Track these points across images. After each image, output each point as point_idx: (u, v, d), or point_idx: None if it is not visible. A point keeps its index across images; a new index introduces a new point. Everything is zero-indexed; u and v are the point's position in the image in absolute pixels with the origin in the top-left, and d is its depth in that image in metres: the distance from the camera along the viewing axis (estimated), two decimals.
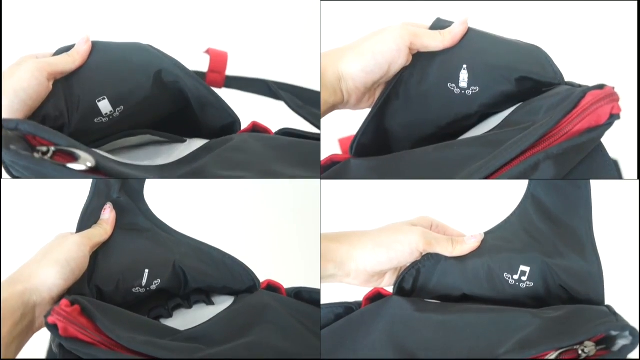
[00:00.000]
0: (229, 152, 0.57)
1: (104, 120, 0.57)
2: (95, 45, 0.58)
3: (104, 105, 0.57)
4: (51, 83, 0.54)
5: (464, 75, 0.58)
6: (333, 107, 0.60)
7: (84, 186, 0.62)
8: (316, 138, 0.61)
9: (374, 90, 0.61)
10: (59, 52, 0.57)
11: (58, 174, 0.48)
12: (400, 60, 0.58)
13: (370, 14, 1.05)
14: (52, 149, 0.48)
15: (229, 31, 1.04)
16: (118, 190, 0.64)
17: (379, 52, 0.58)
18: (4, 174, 0.52)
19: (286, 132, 0.62)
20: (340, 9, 1.03)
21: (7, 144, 0.47)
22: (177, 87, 0.60)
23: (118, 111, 0.58)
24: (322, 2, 0.97)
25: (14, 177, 0.52)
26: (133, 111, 0.59)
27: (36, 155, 0.48)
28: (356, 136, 0.61)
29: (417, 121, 0.61)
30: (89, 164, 0.48)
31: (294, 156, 0.58)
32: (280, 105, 0.73)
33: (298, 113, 0.68)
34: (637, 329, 0.49)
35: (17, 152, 0.47)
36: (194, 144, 0.60)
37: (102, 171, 0.49)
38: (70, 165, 0.48)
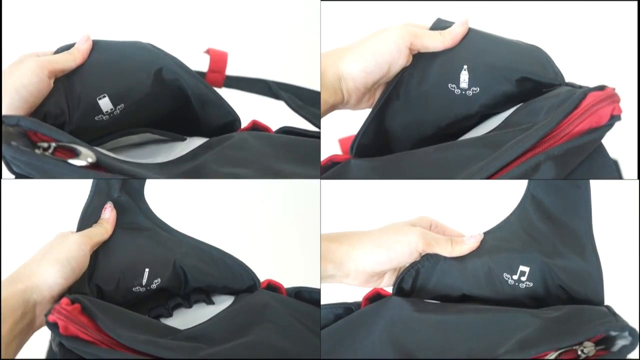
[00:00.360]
0: (229, 149, 0.57)
1: (104, 118, 0.58)
2: (95, 44, 0.58)
3: (105, 103, 0.57)
4: (52, 81, 0.54)
5: (464, 76, 0.58)
6: (333, 107, 0.60)
7: (85, 185, 0.62)
8: (316, 136, 0.62)
9: (374, 90, 0.61)
10: (60, 50, 0.57)
11: (59, 169, 0.48)
12: (401, 60, 0.58)
13: (370, 14, 1.05)
14: (53, 145, 0.48)
15: (229, 31, 1.04)
16: (118, 189, 0.64)
17: (379, 53, 0.58)
18: (5, 170, 0.52)
19: (286, 130, 0.63)
20: (340, 9, 1.03)
21: (9, 140, 0.47)
22: (177, 85, 0.61)
23: (119, 109, 0.58)
24: (322, 2, 0.97)
25: (14, 173, 0.52)
26: (133, 109, 0.59)
27: (37, 151, 0.48)
28: (356, 136, 0.61)
29: (417, 122, 0.61)
30: (90, 160, 0.48)
31: (294, 154, 0.58)
32: (281, 105, 0.73)
33: (298, 113, 0.69)
34: (637, 329, 0.49)
35: (19, 148, 0.47)
36: (194, 142, 0.61)
37: (102, 167, 0.49)
38: (72, 161, 0.48)
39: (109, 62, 0.58)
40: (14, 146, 0.47)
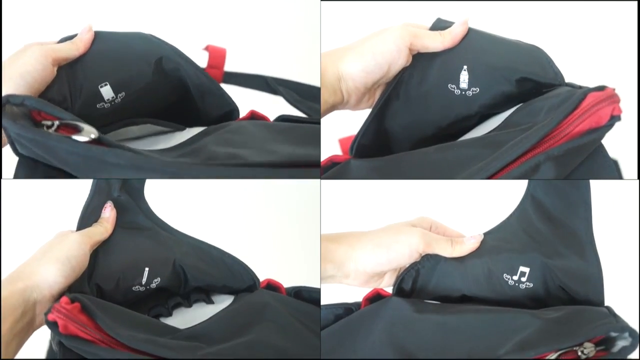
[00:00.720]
0: (228, 133, 0.58)
1: (105, 105, 0.59)
2: (97, 35, 0.60)
3: (106, 91, 0.58)
4: (55, 69, 0.56)
5: (464, 76, 0.58)
6: (333, 107, 0.60)
7: (85, 185, 0.62)
8: (315, 122, 0.62)
9: (373, 90, 0.61)
10: (63, 40, 0.59)
11: (62, 145, 0.49)
12: (400, 60, 0.58)
13: (370, 14, 1.05)
14: (57, 123, 0.50)
15: (230, 35, 1.04)
16: (118, 189, 0.64)
17: (379, 53, 0.58)
18: (5, 169, 0.53)
19: (284, 119, 0.63)
20: (340, 9, 1.03)
21: (14, 119, 0.48)
22: (177, 75, 0.62)
23: (120, 97, 0.59)
24: (322, 2, 0.97)
25: (18, 153, 0.53)
26: (134, 98, 0.60)
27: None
28: (356, 137, 0.61)
29: (417, 122, 0.61)
30: (93, 136, 0.49)
31: (293, 137, 0.58)
32: (279, 101, 0.74)
33: (296, 107, 0.69)
34: (637, 330, 0.49)
35: (24, 126, 0.48)
36: (193, 131, 0.61)
37: (104, 142, 0.50)
38: (75, 137, 0.49)
39: (111, 51, 0.59)
40: (19, 124, 0.48)
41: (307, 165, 0.51)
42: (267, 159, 0.51)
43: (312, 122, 0.62)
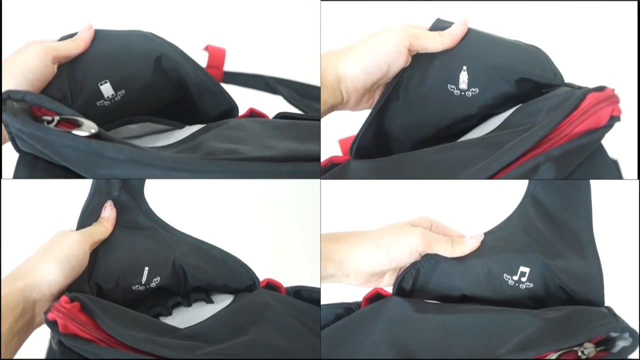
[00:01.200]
0: (227, 130, 0.58)
1: (105, 103, 0.59)
2: (97, 33, 0.60)
3: (106, 89, 0.59)
4: (55, 66, 0.56)
5: (463, 77, 0.58)
6: (332, 108, 0.60)
7: (85, 184, 0.62)
8: (314, 118, 0.62)
9: (373, 91, 0.61)
10: (63, 39, 0.59)
11: (62, 139, 0.49)
12: (400, 61, 0.58)
13: (370, 14, 1.05)
14: (57, 118, 0.50)
15: (230, 35, 1.04)
16: (118, 188, 0.64)
17: (379, 53, 0.58)
18: (5, 169, 0.53)
19: (283, 116, 0.63)
20: (340, 9, 1.03)
21: (15, 115, 0.49)
22: (176, 75, 0.62)
23: (120, 95, 0.59)
24: (322, 2, 0.97)
25: (19, 150, 0.53)
26: (134, 96, 0.60)
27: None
28: (356, 137, 0.61)
29: (417, 123, 0.61)
30: (93, 130, 0.50)
31: (293, 133, 0.58)
32: (278, 101, 0.74)
33: (296, 106, 0.70)
34: (637, 330, 0.49)
35: (24, 121, 0.49)
36: (192, 129, 0.62)
37: (103, 137, 0.50)
38: (75, 132, 0.49)
39: (111, 49, 0.60)
40: (20, 119, 0.49)
41: (307, 160, 0.51)
42: (266, 154, 0.51)
43: (311, 119, 0.62)
